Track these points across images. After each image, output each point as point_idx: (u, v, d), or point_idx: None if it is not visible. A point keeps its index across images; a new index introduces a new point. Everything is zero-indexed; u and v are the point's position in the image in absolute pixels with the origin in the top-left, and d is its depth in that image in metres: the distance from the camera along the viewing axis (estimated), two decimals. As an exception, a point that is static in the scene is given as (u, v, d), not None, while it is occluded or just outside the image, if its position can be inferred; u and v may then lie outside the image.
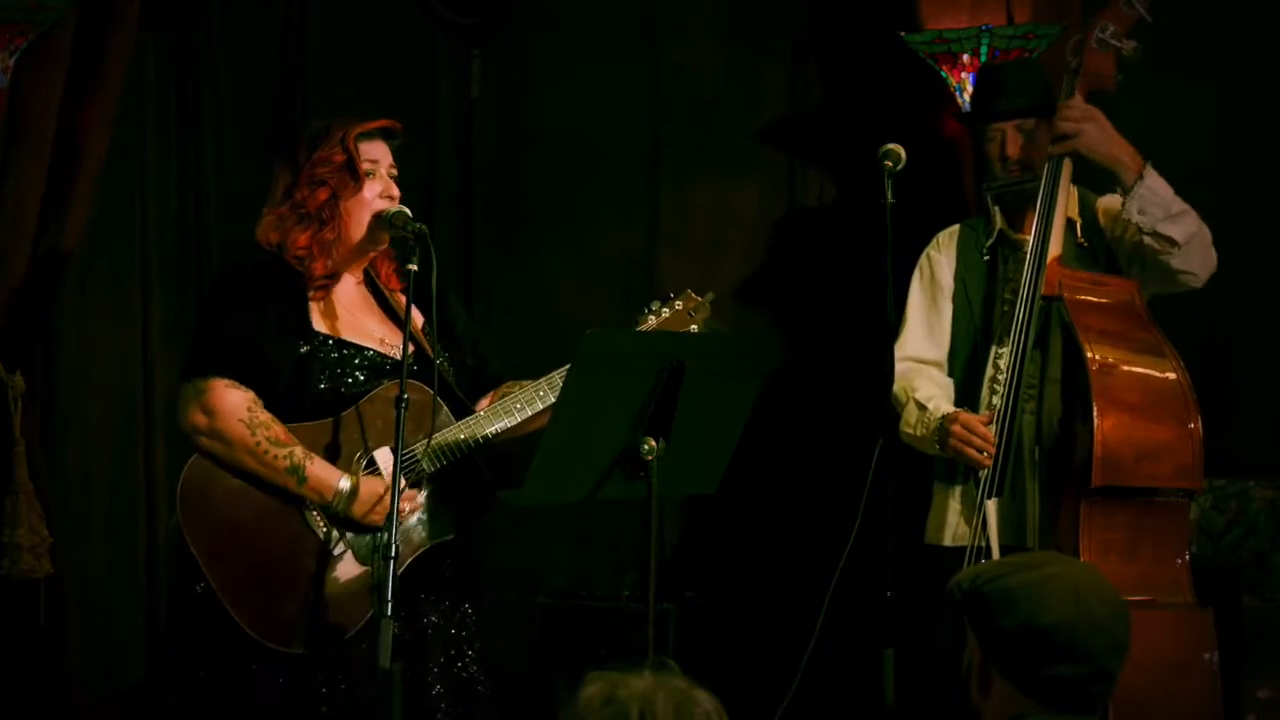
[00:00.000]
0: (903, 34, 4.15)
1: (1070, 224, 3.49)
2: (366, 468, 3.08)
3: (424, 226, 3.02)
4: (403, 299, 3.18)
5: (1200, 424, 3.23)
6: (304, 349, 3.07)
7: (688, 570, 4.52)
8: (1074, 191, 3.51)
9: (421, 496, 3.09)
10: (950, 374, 3.63)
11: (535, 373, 3.19)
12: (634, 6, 4.70)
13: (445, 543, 3.13)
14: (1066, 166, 3.40)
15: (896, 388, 3.54)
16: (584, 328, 2.90)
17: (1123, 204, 3.37)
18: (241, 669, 3.00)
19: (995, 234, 3.61)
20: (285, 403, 3.05)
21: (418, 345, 3.11)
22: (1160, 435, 3.23)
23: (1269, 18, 4.20)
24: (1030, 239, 3.40)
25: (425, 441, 3.04)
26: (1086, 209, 3.56)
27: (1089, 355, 3.23)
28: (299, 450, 3.01)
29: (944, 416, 3.45)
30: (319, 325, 3.11)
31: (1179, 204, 3.35)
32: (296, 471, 3.00)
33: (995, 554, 3.29)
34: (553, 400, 3.06)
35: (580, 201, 4.74)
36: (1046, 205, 3.38)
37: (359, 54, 4.75)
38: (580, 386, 2.88)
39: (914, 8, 4.15)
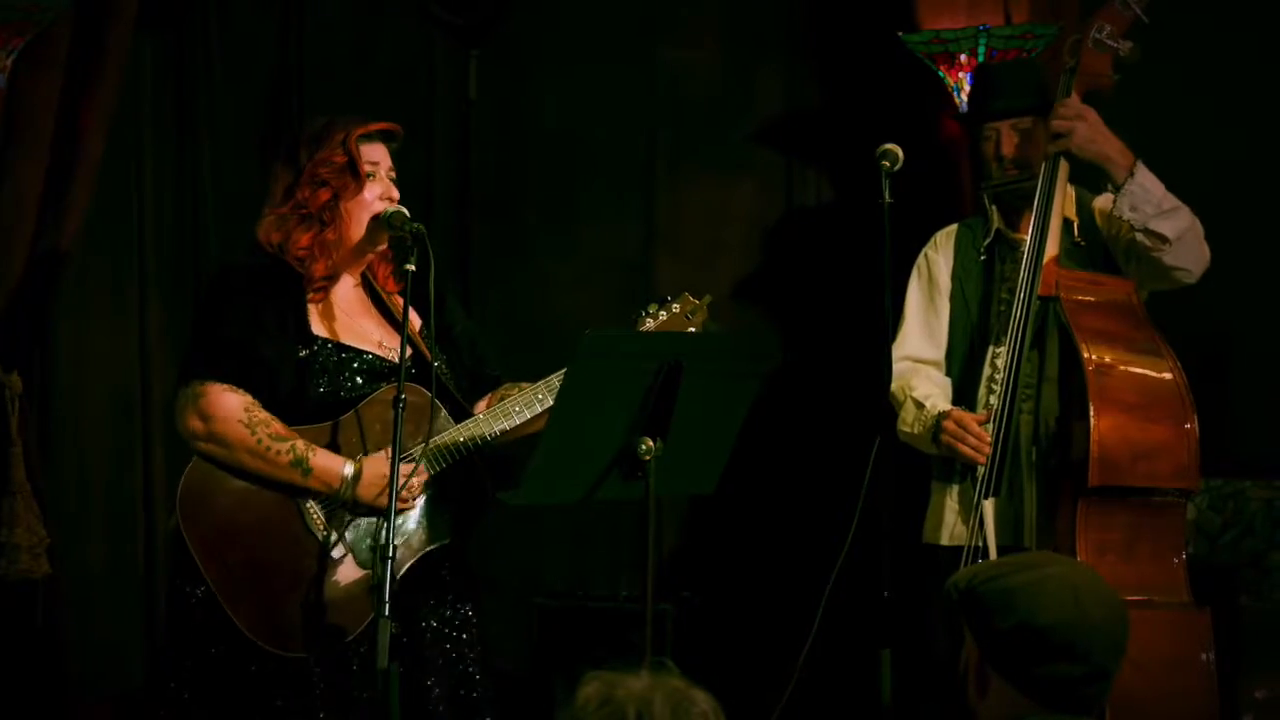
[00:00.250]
0: (900, 34, 4.16)
1: (1067, 223, 3.49)
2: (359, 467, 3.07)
3: (421, 227, 3.02)
4: (400, 301, 3.18)
5: (1196, 424, 3.24)
6: (303, 353, 3.07)
7: (685, 570, 4.52)
8: (1071, 191, 3.51)
9: (421, 500, 3.09)
10: (948, 373, 3.63)
11: (533, 373, 3.19)
12: (631, 7, 4.70)
13: (444, 545, 3.13)
14: (1063, 166, 3.40)
15: (894, 387, 3.54)
16: (582, 328, 2.90)
17: (1114, 201, 3.37)
18: (240, 673, 2.99)
19: (992, 233, 3.61)
20: (284, 406, 3.04)
21: (415, 348, 3.11)
22: (1157, 435, 3.24)
23: (1264, 15, 4.21)
24: (1027, 239, 3.41)
25: (425, 444, 3.03)
26: (1084, 208, 3.56)
27: (1086, 355, 3.24)
28: (300, 443, 3.01)
29: (939, 414, 3.46)
30: (318, 328, 3.11)
31: (1170, 200, 3.35)
32: (300, 464, 3.00)
33: (992, 554, 3.29)
34: (551, 403, 3.06)
35: (578, 202, 4.74)
36: (1043, 205, 3.38)
37: (356, 55, 4.74)
38: (578, 387, 2.88)
39: (911, 8, 4.15)
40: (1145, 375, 3.27)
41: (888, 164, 3.21)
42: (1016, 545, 3.33)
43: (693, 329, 3.22)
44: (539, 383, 3.13)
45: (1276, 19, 4.20)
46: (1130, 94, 3.45)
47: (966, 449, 3.38)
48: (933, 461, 3.59)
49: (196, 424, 3.03)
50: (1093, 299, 3.35)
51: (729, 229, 4.66)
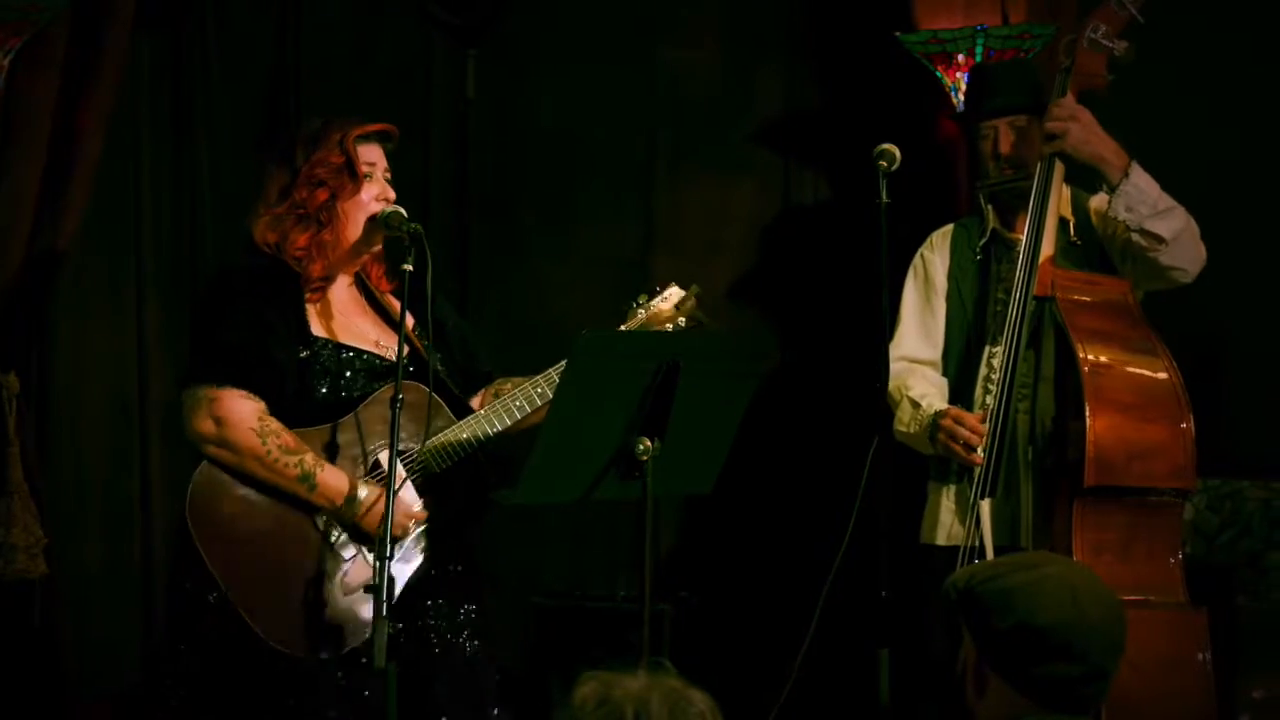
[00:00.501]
0: (898, 34, 4.16)
1: (1063, 223, 3.49)
2: (372, 471, 3.08)
3: (419, 227, 3.02)
4: (393, 300, 3.18)
5: (1192, 424, 3.24)
6: (304, 354, 3.07)
7: (683, 570, 4.52)
8: (1066, 191, 3.51)
9: (418, 506, 3.09)
10: (944, 373, 3.64)
11: (530, 372, 3.20)
12: (629, 7, 4.70)
13: (449, 545, 3.13)
14: (1058, 166, 3.40)
15: (891, 387, 3.55)
16: (579, 327, 2.91)
17: (1109, 202, 3.37)
18: (251, 676, 2.99)
19: (988, 233, 3.62)
20: (289, 408, 3.05)
21: (413, 347, 3.12)
22: (1153, 435, 3.24)
23: (1259, 15, 4.21)
24: (1023, 238, 3.41)
25: (429, 441, 3.04)
26: (1079, 208, 3.56)
27: (1081, 355, 3.24)
28: (309, 457, 3.01)
29: (936, 413, 3.46)
30: (317, 329, 3.11)
31: (1166, 200, 3.35)
32: (307, 479, 3.00)
33: (989, 554, 3.29)
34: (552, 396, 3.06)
35: (576, 201, 4.73)
36: (1039, 205, 3.38)
37: (354, 54, 4.74)
38: (575, 387, 2.88)
39: (909, 8, 4.15)
40: (1141, 375, 3.28)
41: (885, 164, 3.21)
42: (1013, 545, 3.33)
43: (682, 319, 3.23)
44: (538, 377, 3.14)
45: (1271, 19, 4.20)
46: (1125, 94, 3.45)
47: (962, 449, 3.39)
48: (930, 461, 3.59)
49: (208, 427, 3.02)
50: (1088, 299, 3.35)
51: (727, 229, 4.66)
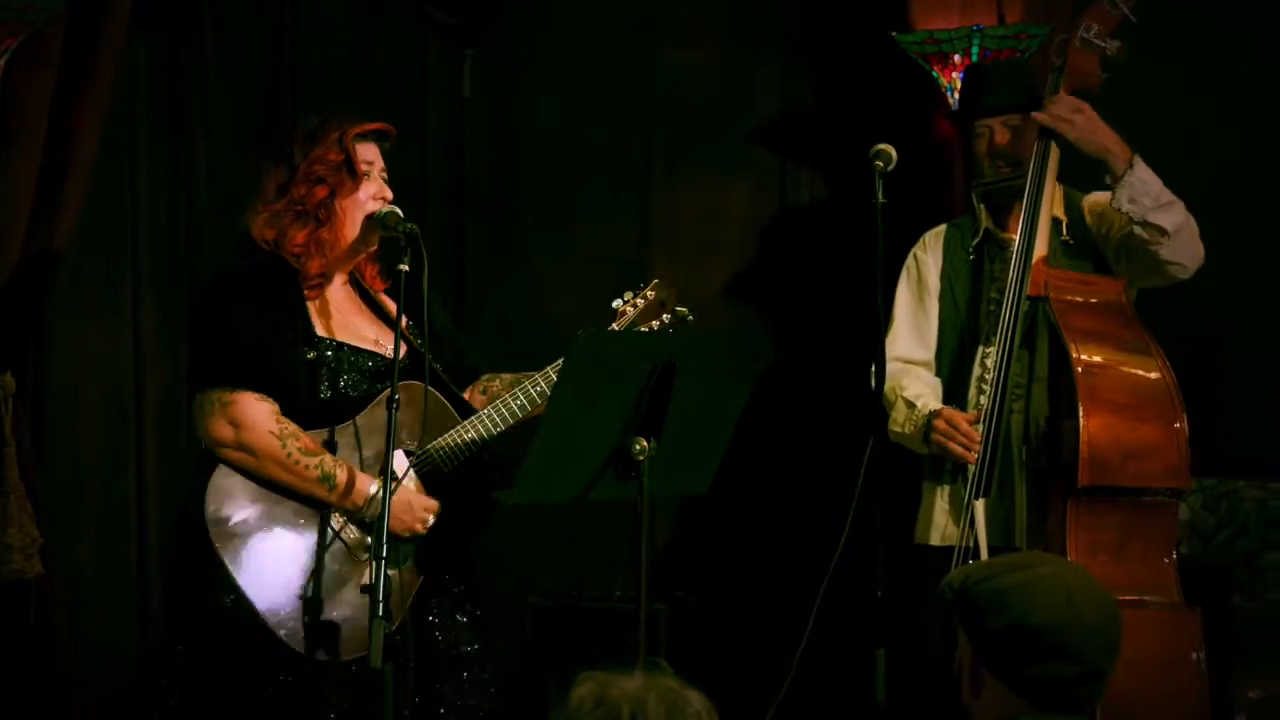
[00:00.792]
0: (894, 34, 4.16)
1: (1056, 223, 3.51)
2: (382, 473, 3.07)
3: (415, 227, 3.02)
4: (388, 299, 3.19)
5: (1186, 423, 3.25)
6: (310, 355, 3.08)
7: (680, 570, 4.52)
8: (1059, 190, 3.52)
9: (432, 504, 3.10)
10: (938, 374, 3.64)
11: (524, 371, 3.20)
12: (627, 7, 4.70)
13: (451, 545, 3.13)
14: (1052, 165, 3.41)
15: (885, 387, 3.55)
16: (576, 327, 2.91)
17: (1113, 194, 3.38)
18: (262, 679, 2.99)
19: (981, 233, 3.62)
20: (298, 409, 3.04)
21: (410, 345, 3.12)
22: (1147, 435, 3.24)
23: (1262, 15, 4.21)
24: (1016, 238, 3.41)
25: (436, 442, 3.05)
26: (1072, 207, 3.57)
27: (1075, 355, 3.24)
28: (329, 458, 3.02)
29: (930, 413, 3.47)
30: (318, 328, 3.11)
31: (1168, 194, 3.36)
32: (328, 480, 3.01)
33: (984, 554, 3.30)
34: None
35: (573, 201, 4.73)
36: (1032, 204, 3.39)
37: (351, 54, 4.74)
38: (572, 387, 2.88)
39: (905, 8, 4.15)
40: (1135, 375, 3.28)
41: (881, 164, 3.22)
42: (1008, 545, 3.33)
43: (667, 315, 3.25)
44: (536, 374, 3.15)
45: (1274, 19, 4.21)
46: (1127, 93, 3.46)
47: (956, 447, 3.39)
48: (924, 462, 3.59)
49: (225, 431, 3.02)
50: (1082, 299, 3.36)
51: (725, 229, 4.66)
